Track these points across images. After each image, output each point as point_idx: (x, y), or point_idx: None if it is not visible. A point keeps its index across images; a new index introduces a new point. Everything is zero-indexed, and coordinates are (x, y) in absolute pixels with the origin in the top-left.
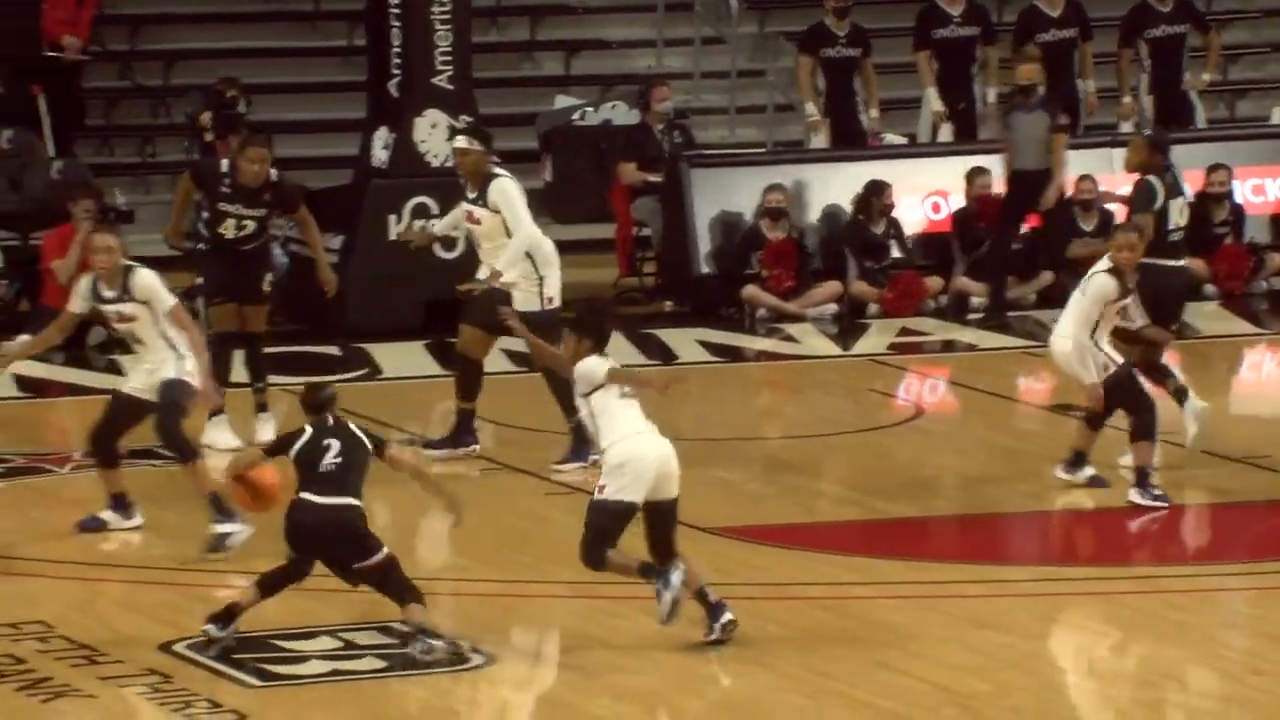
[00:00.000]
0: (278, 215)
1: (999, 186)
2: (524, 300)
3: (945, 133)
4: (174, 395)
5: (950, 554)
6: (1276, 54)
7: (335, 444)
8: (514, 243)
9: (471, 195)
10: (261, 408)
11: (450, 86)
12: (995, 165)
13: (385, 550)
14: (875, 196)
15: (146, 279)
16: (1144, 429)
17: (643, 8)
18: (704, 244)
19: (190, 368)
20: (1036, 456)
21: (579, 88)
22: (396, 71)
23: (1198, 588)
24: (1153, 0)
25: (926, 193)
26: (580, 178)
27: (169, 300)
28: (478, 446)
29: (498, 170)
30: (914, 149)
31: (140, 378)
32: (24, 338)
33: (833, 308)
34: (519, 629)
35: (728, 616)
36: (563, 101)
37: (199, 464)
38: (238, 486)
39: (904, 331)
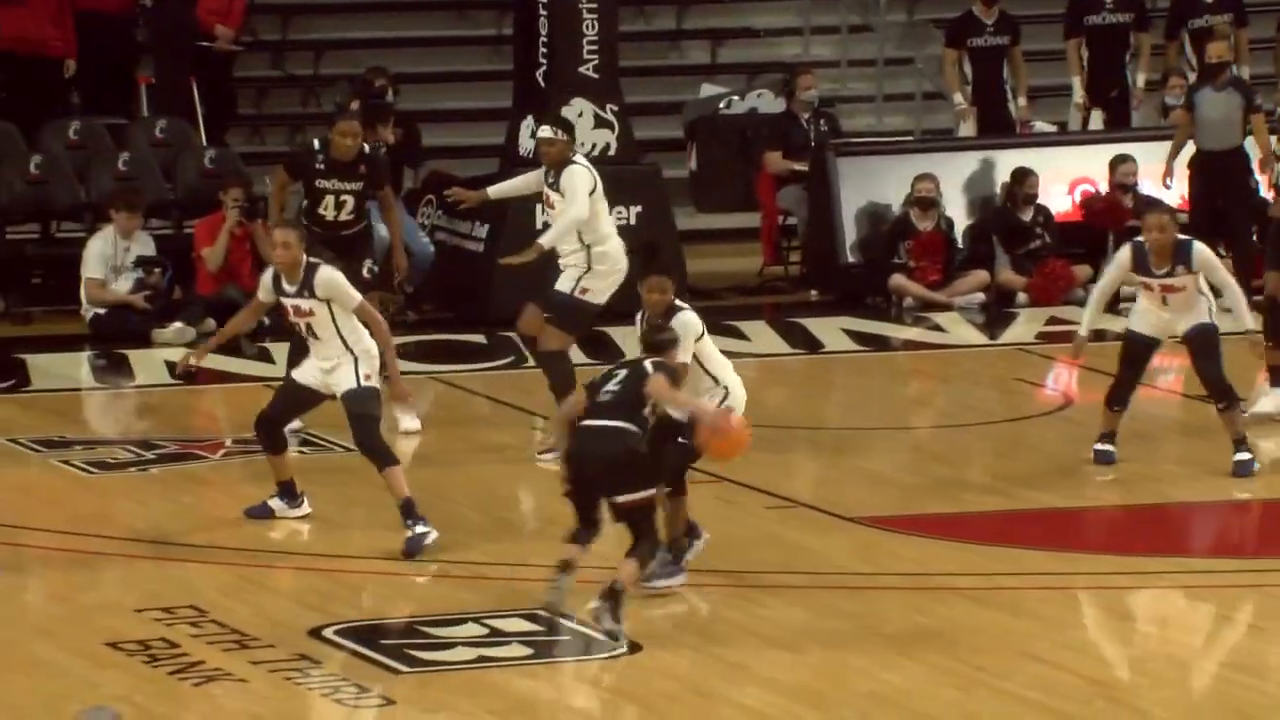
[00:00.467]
0: (370, 192)
1: (1152, 174)
2: (563, 281)
3: (1096, 120)
4: (364, 406)
5: (1099, 545)
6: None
7: (620, 372)
8: (563, 217)
9: (550, 180)
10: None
11: (596, 75)
12: (1144, 153)
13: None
14: (1019, 184)
15: (329, 277)
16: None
17: None
18: (850, 233)
19: (367, 369)
20: (1182, 446)
21: (725, 76)
22: (543, 61)
23: None
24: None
25: (1074, 180)
26: (726, 166)
27: (354, 298)
28: None
29: (576, 159)
30: (1063, 136)
31: (313, 371)
32: (177, 325)
33: (980, 297)
34: (665, 618)
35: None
36: (708, 90)
37: (396, 470)
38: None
39: (1052, 321)
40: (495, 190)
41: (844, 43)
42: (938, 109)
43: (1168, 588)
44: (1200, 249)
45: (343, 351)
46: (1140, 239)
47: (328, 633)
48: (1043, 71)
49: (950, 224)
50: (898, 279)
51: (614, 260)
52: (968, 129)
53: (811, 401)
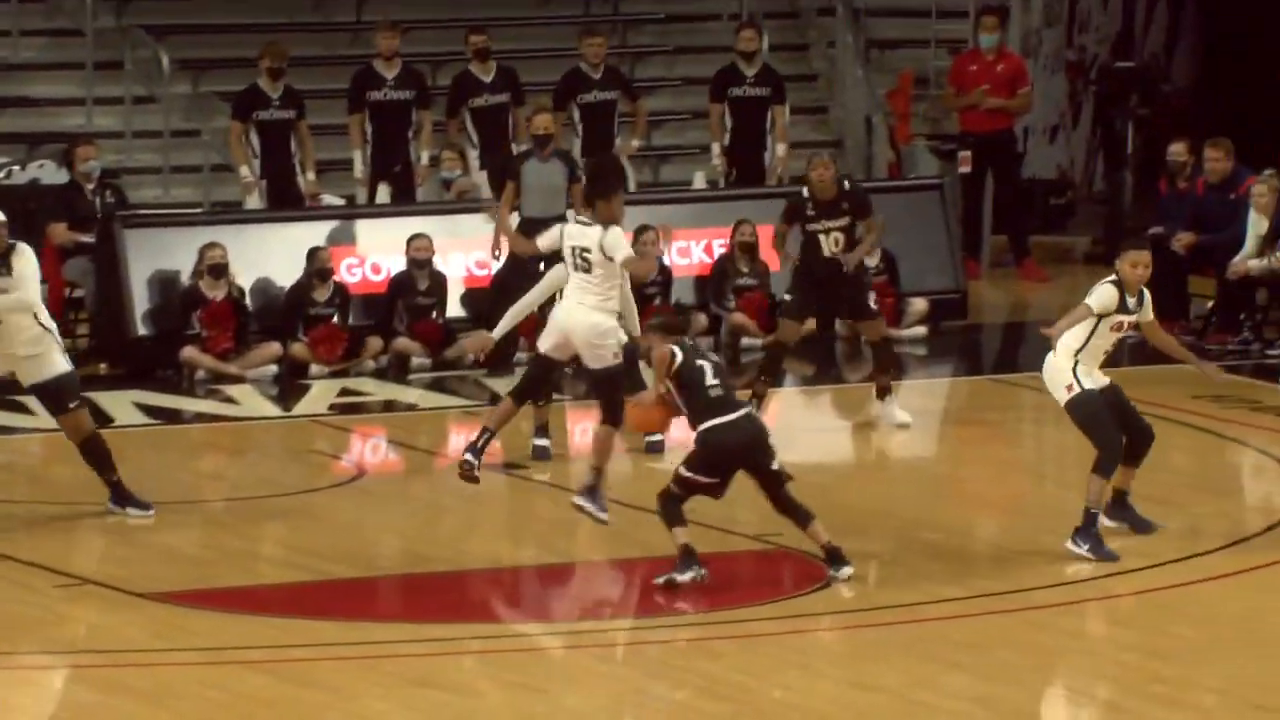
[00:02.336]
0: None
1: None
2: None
3: (383, 194)
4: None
5: (391, 614)
6: (695, 120)
7: (706, 365)
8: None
9: None
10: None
11: None
12: (433, 226)
13: None
14: (312, 260)
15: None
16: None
17: (71, 65)
18: (140, 304)
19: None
20: (479, 514)
21: (4, 146)
22: None
23: (633, 640)
24: (585, 68)
25: (369, 254)
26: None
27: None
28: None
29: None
30: (353, 210)
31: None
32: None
33: (273, 369)
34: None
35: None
36: None
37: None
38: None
39: (344, 392)
40: None
41: (128, 113)
42: (226, 181)
43: (459, 654)
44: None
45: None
46: (1116, 279)
47: None
48: (330, 146)
49: (242, 292)
50: (189, 351)
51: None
52: (254, 202)
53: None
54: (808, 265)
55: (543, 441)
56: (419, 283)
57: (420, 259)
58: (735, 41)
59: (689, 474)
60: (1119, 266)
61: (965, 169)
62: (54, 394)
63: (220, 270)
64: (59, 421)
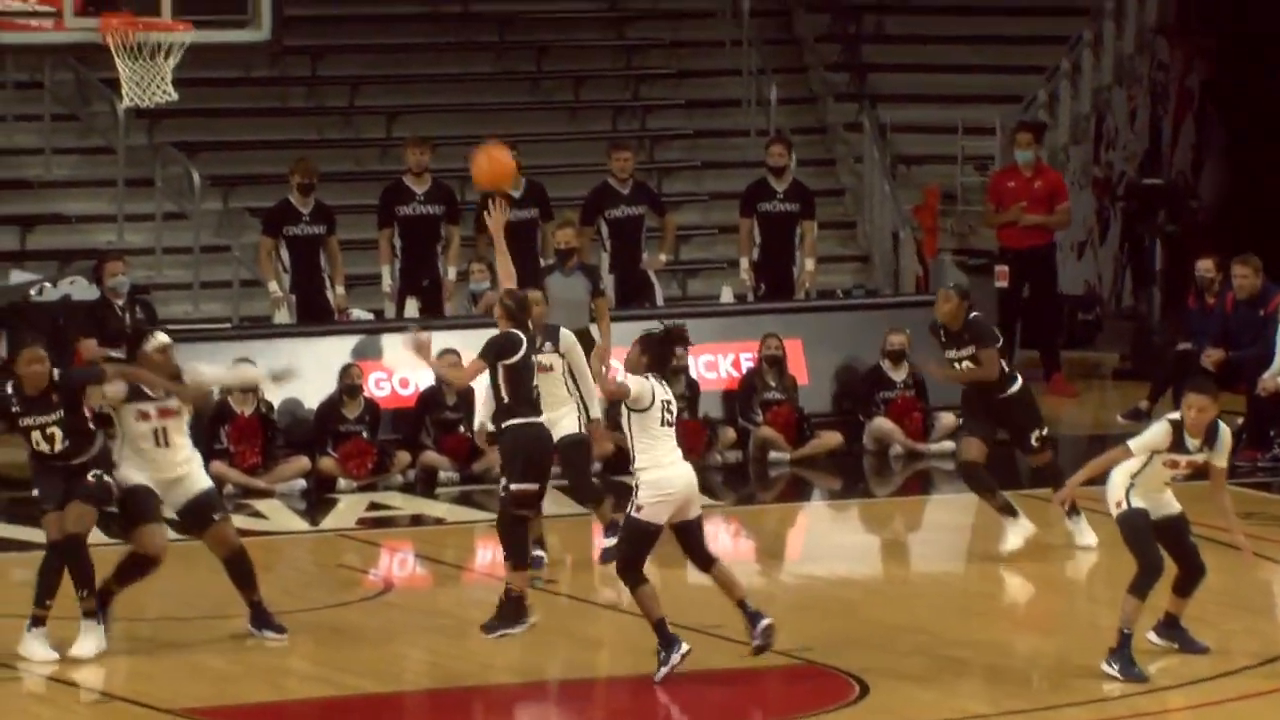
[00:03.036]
0: None
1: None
2: None
3: (411, 308)
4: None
5: None
6: (723, 235)
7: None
8: None
9: None
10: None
11: None
12: (461, 341)
13: None
14: (343, 378)
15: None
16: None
17: (103, 182)
18: None
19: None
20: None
21: (35, 262)
22: None
23: None
24: (613, 182)
25: (396, 369)
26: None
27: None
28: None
29: None
30: (381, 325)
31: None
32: None
33: (301, 483)
34: None
35: (765, 622)
36: (18, 277)
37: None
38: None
39: (373, 506)
40: None
41: (159, 230)
42: (256, 296)
43: None
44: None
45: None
46: (1177, 416)
47: None
48: (359, 260)
49: (270, 407)
50: (217, 466)
51: None
52: (283, 316)
53: (129, 591)
54: (964, 392)
55: (538, 552)
56: (447, 398)
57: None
58: (765, 156)
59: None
60: (1181, 407)
61: (1002, 283)
62: (203, 509)
63: (247, 389)
64: (205, 538)
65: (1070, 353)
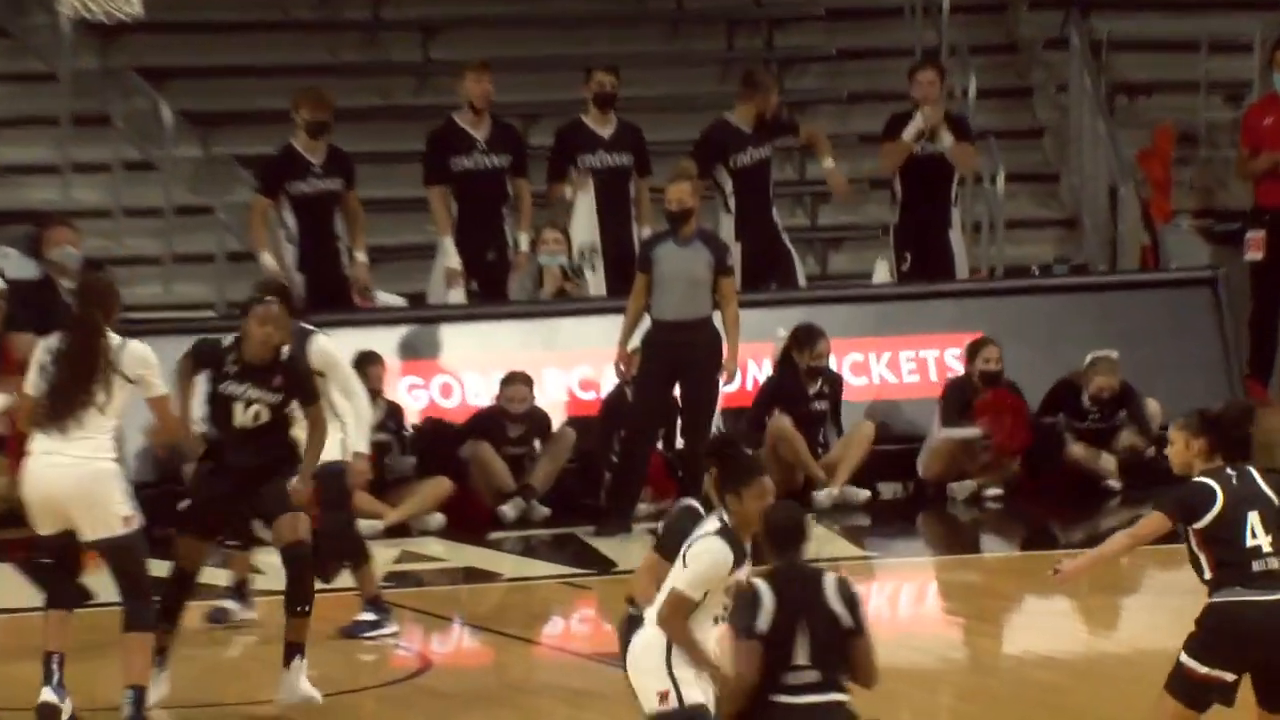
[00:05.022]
0: None
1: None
2: None
3: (457, 293)
4: None
5: None
6: (876, 191)
7: None
8: None
9: None
10: None
11: None
12: (524, 335)
13: None
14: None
15: None
16: None
17: (42, 120)
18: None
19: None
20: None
21: None
22: None
23: None
24: (734, 119)
25: (436, 373)
26: None
27: None
28: None
29: None
30: (418, 313)
31: None
32: None
33: None
34: None
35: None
36: None
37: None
38: None
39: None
40: None
41: (116, 184)
42: (245, 273)
43: None
44: None
45: None
46: None
47: None
48: (384, 227)
49: None
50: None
51: None
52: None
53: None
54: None
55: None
56: (509, 429)
57: (516, 412)
58: (910, 85)
59: None
60: None
61: (1256, 255)
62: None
63: None
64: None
65: None
